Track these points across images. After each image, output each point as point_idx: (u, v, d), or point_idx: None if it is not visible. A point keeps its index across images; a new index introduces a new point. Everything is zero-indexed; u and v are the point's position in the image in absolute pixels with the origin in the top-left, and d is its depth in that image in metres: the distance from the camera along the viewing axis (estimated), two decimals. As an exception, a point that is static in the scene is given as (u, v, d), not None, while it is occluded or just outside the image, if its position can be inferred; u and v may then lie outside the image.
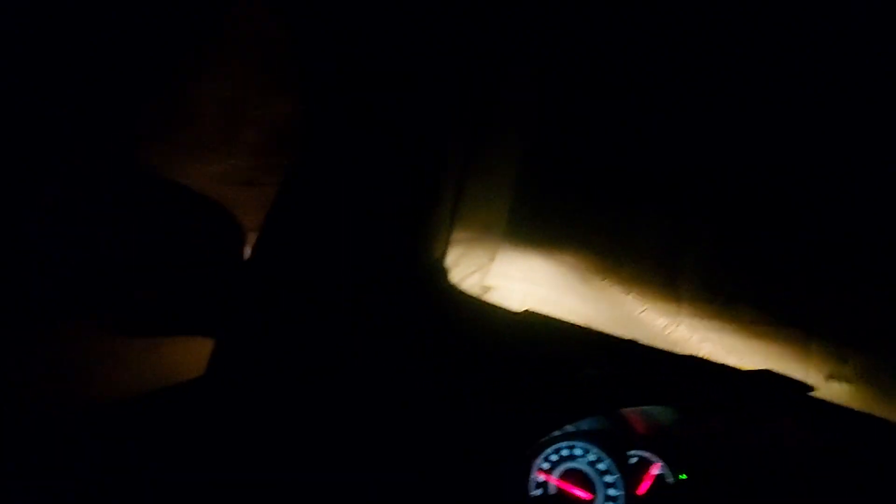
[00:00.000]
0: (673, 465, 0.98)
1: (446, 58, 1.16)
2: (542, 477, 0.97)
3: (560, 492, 0.97)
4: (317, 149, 1.11)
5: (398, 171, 1.15)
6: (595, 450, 1.00)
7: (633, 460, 1.00)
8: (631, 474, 0.98)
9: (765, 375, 1.20)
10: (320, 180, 1.12)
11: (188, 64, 1.25)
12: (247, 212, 1.23)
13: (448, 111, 1.17)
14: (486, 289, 1.56)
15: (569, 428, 1.02)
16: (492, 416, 1.02)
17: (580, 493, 0.96)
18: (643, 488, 0.96)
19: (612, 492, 0.97)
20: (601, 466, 0.99)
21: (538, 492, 0.96)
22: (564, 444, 1.00)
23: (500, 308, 1.39)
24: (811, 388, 1.18)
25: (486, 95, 1.23)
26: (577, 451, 1.00)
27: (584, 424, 1.02)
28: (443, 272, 1.34)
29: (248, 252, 1.16)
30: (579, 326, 1.34)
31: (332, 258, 1.05)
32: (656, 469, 0.99)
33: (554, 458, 0.99)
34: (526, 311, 1.30)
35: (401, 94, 1.14)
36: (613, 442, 1.00)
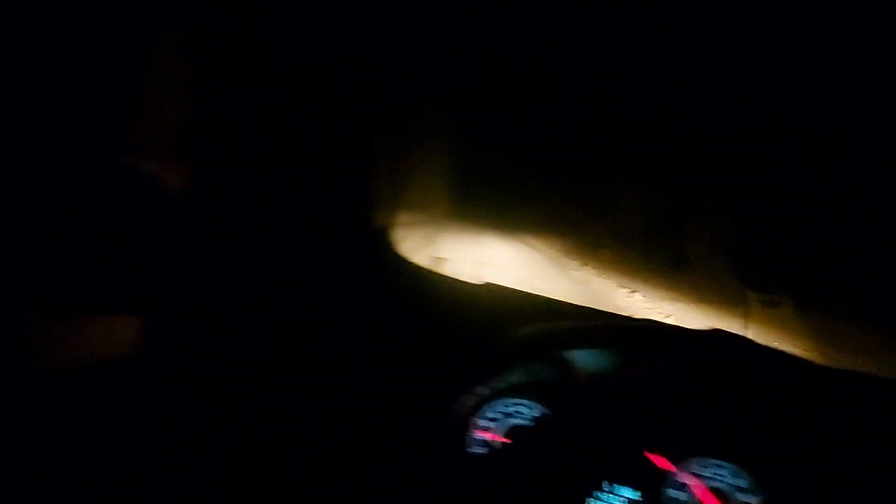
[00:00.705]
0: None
1: (374, 44, 1.20)
2: (484, 436, 0.97)
3: (504, 446, 0.96)
4: (248, 138, 1.14)
5: (329, 150, 1.18)
6: (537, 405, 1.00)
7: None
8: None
9: (715, 334, 1.21)
10: (252, 166, 1.15)
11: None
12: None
13: (375, 97, 1.20)
14: (439, 260, 1.56)
15: (504, 384, 1.02)
16: (432, 380, 1.02)
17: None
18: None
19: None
20: (543, 420, 0.98)
21: (481, 450, 0.96)
22: (510, 400, 1.00)
23: (456, 280, 1.41)
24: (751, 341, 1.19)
25: (416, 78, 1.27)
26: (523, 409, 1.00)
27: (524, 378, 1.02)
28: (390, 244, 1.34)
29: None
30: (543, 297, 1.36)
31: (270, 230, 1.08)
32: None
33: (495, 415, 0.99)
34: (486, 283, 1.31)
35: (330, 80, 1.18)
36: (554, 397, 1.00)
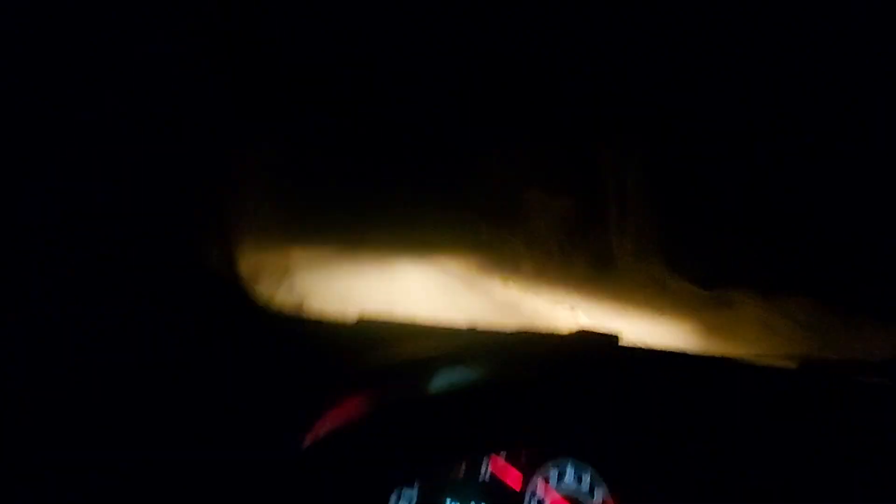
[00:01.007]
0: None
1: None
2: None
3: None
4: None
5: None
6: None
7: (422, 444, 0.94)
8: (420, 460, 0.92)
9: (581, 336, 1.22)
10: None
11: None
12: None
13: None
14: (298, 305, 1.48)
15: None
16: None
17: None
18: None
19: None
20: None
21: None
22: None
23: (323, 322, 1.33)
24: (617, 338, 1.22)
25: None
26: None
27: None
28: (243, 292, 1.25)
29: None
30: (411, 324, 1.31)
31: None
32: (444, 447, 0.94)
33: None
34: (360, 320, 1.24)
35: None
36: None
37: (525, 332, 1.24)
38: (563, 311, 3.64)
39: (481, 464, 0.93)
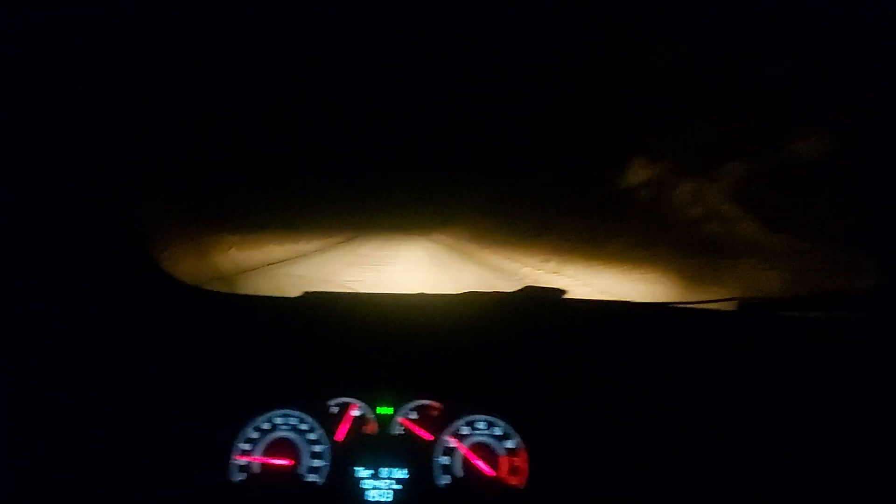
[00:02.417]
0: (371, 401, 0.96)
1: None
2: (243, 460, 0.92)
3: (263, 468, 0.91)
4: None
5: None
6: (295, 412, 0.96)
7: (335, 409, 0.96)
8: (332, 423, 0.95)
9: (526, 291, 1.22)
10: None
11: None
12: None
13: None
14: (231, 281, 1.50)
15: (266, 399, 0.97)
16: (197, 408, 0.96)
17: (281, 461, 0.91)
18: (341, 433, 0.93)
19: (316, 447, 0.93)
20: (303, 426, 0.95)
21: (241, 476, 0.91)
22: (261, 418, 0.95)
23: (260, 297, 1.35)
24: (564, 292, 1.22)
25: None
26: (278, 420, 0.96)
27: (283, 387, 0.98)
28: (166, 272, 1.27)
29: None
30: (369, 295, 1.33)
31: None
32: (355, 410, 0.96)
33: (254, 435, 0.94)
34: (304, 293, 1.26)
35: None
36: (312, 398, 0.97)
37: (470, 293, 1.25)
38: (547, 274, 3.66)
39: (391, 423, 0.95)
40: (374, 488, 0.90)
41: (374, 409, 0.96)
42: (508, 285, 1.31)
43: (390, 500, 0.89)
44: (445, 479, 0.91)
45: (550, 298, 1.25)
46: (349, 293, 1.35)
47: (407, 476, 0.91)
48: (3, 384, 0.94)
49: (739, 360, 1.02)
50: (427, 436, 0.94)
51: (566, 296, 1.25)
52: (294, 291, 1.27)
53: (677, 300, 1.29)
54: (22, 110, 0.93)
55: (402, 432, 0.95)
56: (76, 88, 0.98)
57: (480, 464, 0.92)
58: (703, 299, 1.22)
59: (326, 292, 1.29)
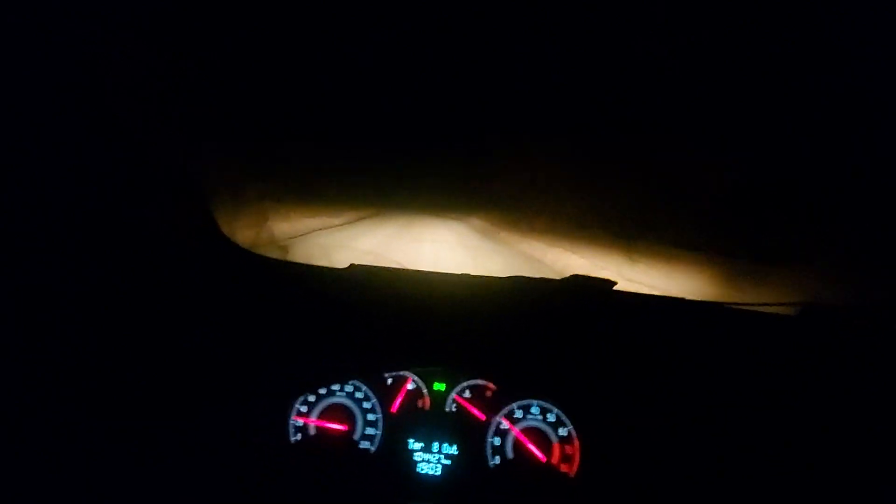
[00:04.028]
0: (429, 377, 0.97)
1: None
2: (300, 421, 0.95)
3: (319, 430, 0.94)
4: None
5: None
6: (352, 381, 0.98)
7: (389, 381, 0.98)
8: (387, 394, 0.96)
9: (576, 280, 1.20)
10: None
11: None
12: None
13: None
14: (284, 249, 1.52)
15: (324, 367, 0.99)
16: (255, 373, 0.99)
17: (335, 425, 0.94)
18: (395, 405, 0.94)
19: (370, 416, 0.95)
20: (359, 395, 0.97)
21: (297, 437, 0.94)
22: (321, 384, 0.98)
23: (311, 266, 1.37)
24: (614, 283, 1.19)
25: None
26: (335, 387, 0.98)
27: (341, 356, 1.00)
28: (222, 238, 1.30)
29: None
30: (406, 271, 1.33)
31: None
32: (409, 384, 0.97)
33: (311, 398, 0.97)
34: (351, 265, 1.28)
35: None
36: (369, 368, 0.98)
37: (520, 278, 1.23)
38: (578, 260, 3.59)
39: (446, 400, 0.96)
40: (425, 461, 0.91)
41: (429, 385, 0.97)
42: (545, 275, 1.29)
43: (439, 474, 0.90)
44: (496, 460, 0.91)
45: (600, 289, 1.22)
46: (397, 268, 1.35)
47: (457, 453, 0.92)
48: (71, 344, 0.97)
49: (788, 364, 0.98)
50: (480, 415, 0.94)
51: (616, 287, 1.22)
52: (339, 258, 1.27)
53: (722, 299, 1.24)
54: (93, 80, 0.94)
55: (456, 409, 0.95)
56: (143, 62, 0.99)
57: (533, 448, 0.91)
58: (750, 300, 1.17)
59: (374, 266, 1.30)
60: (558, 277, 1.24)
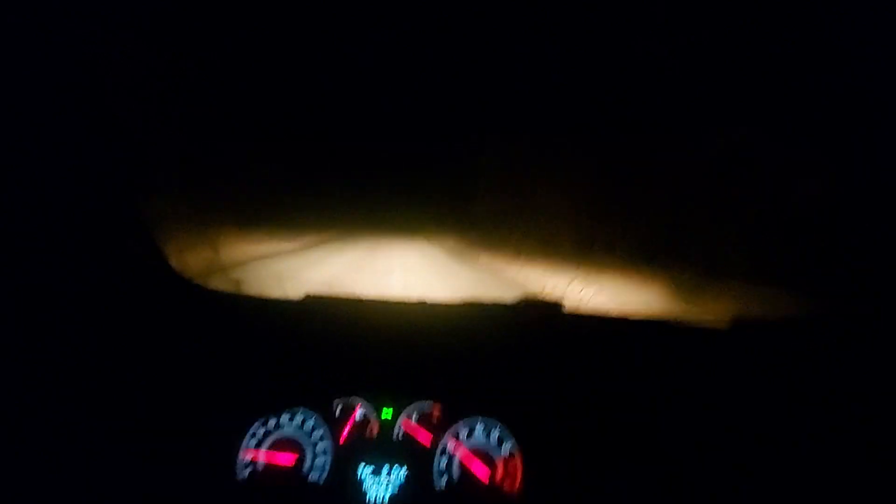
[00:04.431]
0: (375, 402, 0.99)
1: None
2: (248, 456, 0.95)
3: (268, 465, 0.94)
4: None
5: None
6: (300, 410, 0.99)
7: (339, 409, 1.00)
8: (336, 424, 0.98)
9: (525, 304, 1.26)
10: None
11: None
12: None
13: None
14: (238, 283, 1.52)
15: (273, 398, 1.00)
16: (204, 407, 0.99)
17: (284, 457, 0.94)
18: (343, 435, 0.96)
19: (320, 446, 0.96)
20: (308, 425, 0.98)
21: (245, 473, 0.94)
22: (269, 416, 0.99)
23: (262, 299, 1.37)
24: (561, 305, 1.25)
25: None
26: (284, 419, 0.99)
27: (289, 388, 1.01)
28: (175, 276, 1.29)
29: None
30: (361, 301, 1.35)
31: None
32: (357, 411, 0.99)
33: (260, 432, 0.97)
34: (306, 296, 1.28)
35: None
36: (317, 398, 1.00)
37: (471, 303, 1.28)
38: (549, 280, 3.71)
39: (394, 426, 0.98)
40: (374, 487, 0.93)
41: (377, 411, 0.99)
42: (507, 291, 1.35)
43: (386, 501, 0.92)
44: (442, 483, 0.95)
45: (548, 312, 1.29)
46: (351, 299, 1.37)
47: (405, 477, 0.94)
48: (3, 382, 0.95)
49: (731, 376, 1.06)
50: (427, 436, 0.97)
51: (564, 310, 1.29)
52: (293, 285, 1.29)
53: (674, 312, 1.33)
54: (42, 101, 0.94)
55: (404, 434, 0.98)
56: (95, 85, 0.99)
57: (476, 468, 0.95)
58: (701, 313, 1.27)
59: (329, 296, 1.32)
60: (523, 296, 1.30)
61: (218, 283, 1.40)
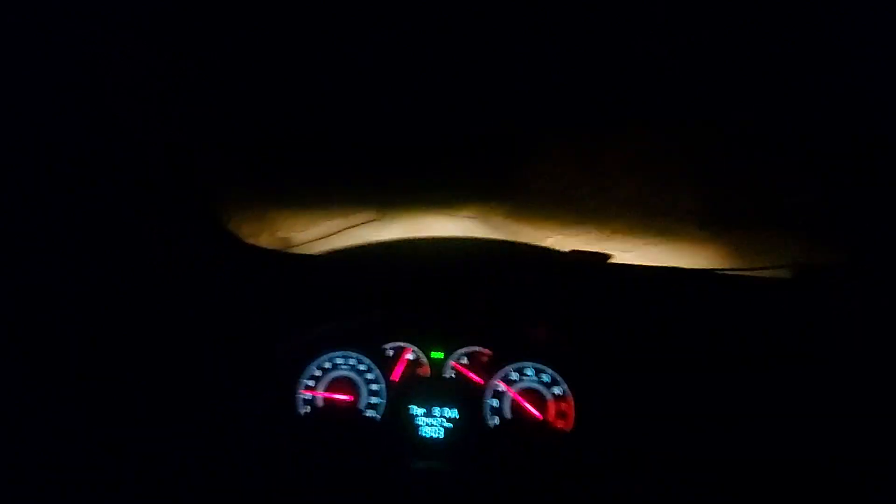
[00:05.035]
0: (425, 346, 1.02)
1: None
2: (308, 394, 1.00)
3: (326, 402, 0.99)
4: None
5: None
6: (354, 354, 1.03)
7: (390, 352, 1.02)
8: (388, 365, 1.01)
9: (574, 254, 1.24)
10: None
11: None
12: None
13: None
14: (288, 243, 1.55)
15: (326, 342, 1.04)
16: (261, 349, 1.04)
17: (342, 396, 0.99)
18: (396, 374, 0.99)
19: (374, 386, 1.00)
20: (362, 367, 1.02)
21: (306, 409, 0.99)
22: (325, 357, 1.03)
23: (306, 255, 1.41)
24: (609, 256, 1.22)
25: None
26: (339, 360, 1.03)
27: (341, 332, 1.05)
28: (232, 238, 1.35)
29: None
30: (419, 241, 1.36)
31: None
32: (409, 354, 1.01)
33: (317, 373, 1.02)
34: (355, 246, 1.31)
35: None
36: (369, 341, 1.03)
37: (520, 243, 1.27)
38: (582, 243, 3.61)
39: (444, 367, 1.00)
40: (428, 425, 0.96)
41: (427, 354, 1.01)
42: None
43: (442, 437, 0.95)
44: (495, 420, 0.96)
45: (596, 261, 1.26)
46: (395, 241, 1.37)
47: (458, 416, 0.96)
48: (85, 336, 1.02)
49: (779, 325, 1.01)
50: (478, 379, 0.99)
51: (613, 259, 1.25)
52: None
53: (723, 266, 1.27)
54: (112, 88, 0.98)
55: (454, 375, 1.00)
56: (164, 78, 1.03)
57: (529, 407, 0.96)
58: (750, 264, 1.20)
59: (377, 243, 1.32)
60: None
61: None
